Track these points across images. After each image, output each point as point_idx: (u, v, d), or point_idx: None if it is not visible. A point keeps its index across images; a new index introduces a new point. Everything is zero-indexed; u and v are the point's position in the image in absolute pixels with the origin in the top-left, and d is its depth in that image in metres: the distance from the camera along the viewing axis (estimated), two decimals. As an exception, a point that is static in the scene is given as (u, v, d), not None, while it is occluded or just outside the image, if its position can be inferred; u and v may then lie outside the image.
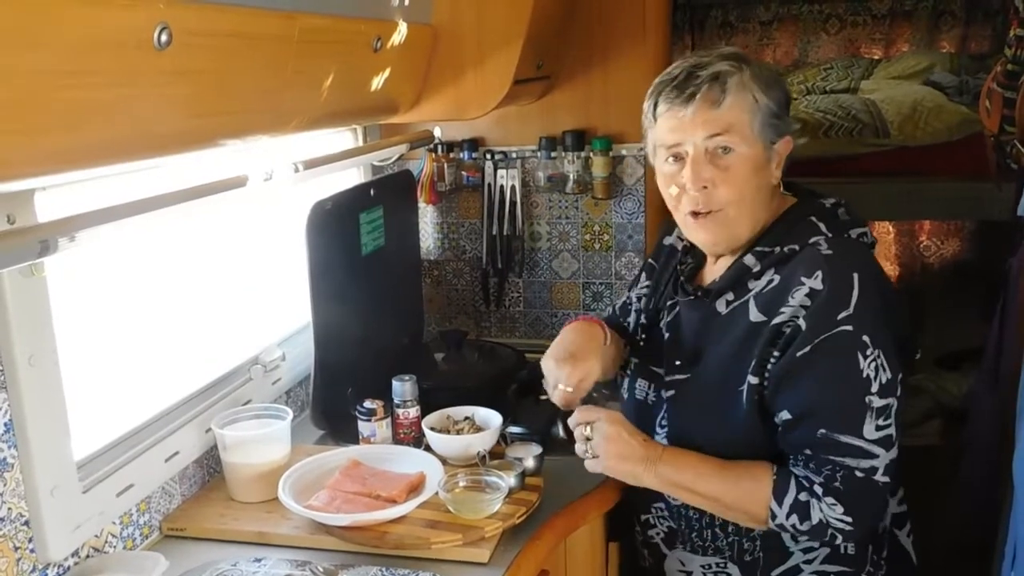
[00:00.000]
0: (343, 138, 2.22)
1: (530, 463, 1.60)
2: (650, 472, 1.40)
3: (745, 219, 1.40)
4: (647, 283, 1.66)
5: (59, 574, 1.29)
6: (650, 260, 1.70)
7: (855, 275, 1.32)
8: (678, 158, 1.39)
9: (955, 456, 2.48)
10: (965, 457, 2.38)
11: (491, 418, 1.71)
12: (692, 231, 1.45)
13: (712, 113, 1.35)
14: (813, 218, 1.41)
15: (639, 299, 1.66)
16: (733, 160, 1.36)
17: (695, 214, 1.40)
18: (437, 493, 1.48)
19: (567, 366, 1.47)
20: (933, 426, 2.95)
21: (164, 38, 0.92)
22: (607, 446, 1.41)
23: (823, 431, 1.30)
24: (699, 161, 1.36)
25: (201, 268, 1.72)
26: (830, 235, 1.38)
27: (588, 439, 1.43)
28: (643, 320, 1.61)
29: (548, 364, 1.51)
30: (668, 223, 1.71)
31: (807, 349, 1.30)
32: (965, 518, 2.27)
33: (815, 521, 1.31)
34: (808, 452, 1.33)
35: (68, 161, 0.93)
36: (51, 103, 0.83)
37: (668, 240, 1.67)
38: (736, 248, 1.45)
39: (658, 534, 1.56)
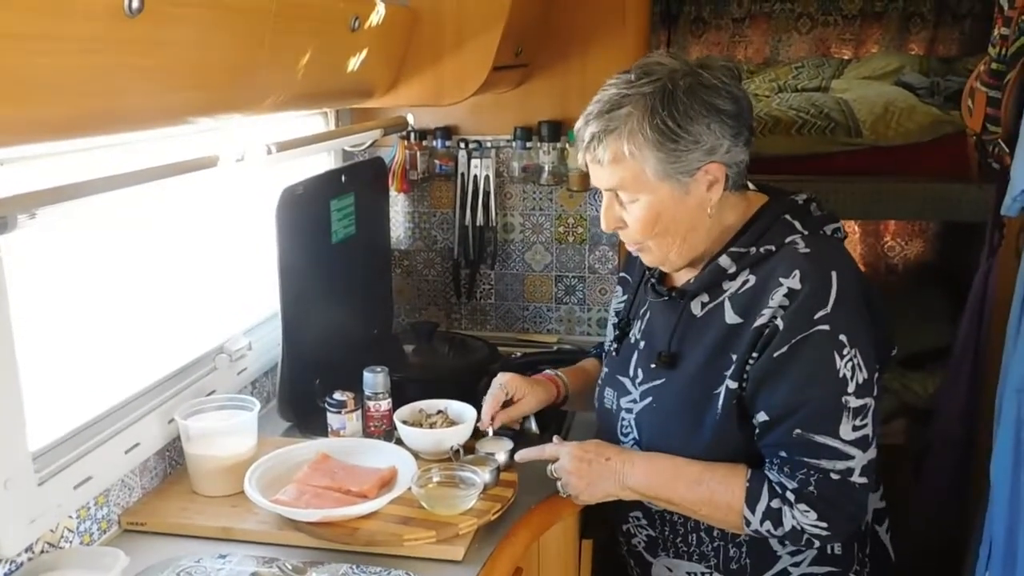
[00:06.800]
0: (314, 123, 2.16)
1: (502, 457, 1.56)
2: (623, 489, 1.42)
3: (675, 248, 1.38)
4: (623, 297, 1.64)
5: (11, 571, 1.23)
6: (623, 273, 1.69)
7: (833, 273, 1.30)
8: None
9: (919, 455, 2.50)
10: (930, 456, 2.40)
11: (465, 412, 1.67)
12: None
13: (600, 171, 1.36)
14: (788, 216, 1.38)
15: (616, 313, 1.64)
16: (636, 208, 1.36)
17: None
18: (410, 488, 1.44)
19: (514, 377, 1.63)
20: (898, 425, 2.97)
21: (136, 5, 0.86)
22: (574, 481, 1.44)
23: (798, 431, 1.29)
24: (609, 205, 1.39)
25: (166, 253, 1.66)
26: (806, 233, 1.36)
27: (558, 479, 1.46)
28: (616, 332, 1.59)
29: (502, 378, 1.63)
30: None
31: (784, 349, 1.29)
32: (932, 517, 2.29)
33: (788, 528, 1.30)
34: (783, 454, 1.31)
35: (33, 133, 0.88)
36: (14, 69, 0.78)
37: None
38: (695, 262, 1.42)
39: (640, 543, 1.54)
